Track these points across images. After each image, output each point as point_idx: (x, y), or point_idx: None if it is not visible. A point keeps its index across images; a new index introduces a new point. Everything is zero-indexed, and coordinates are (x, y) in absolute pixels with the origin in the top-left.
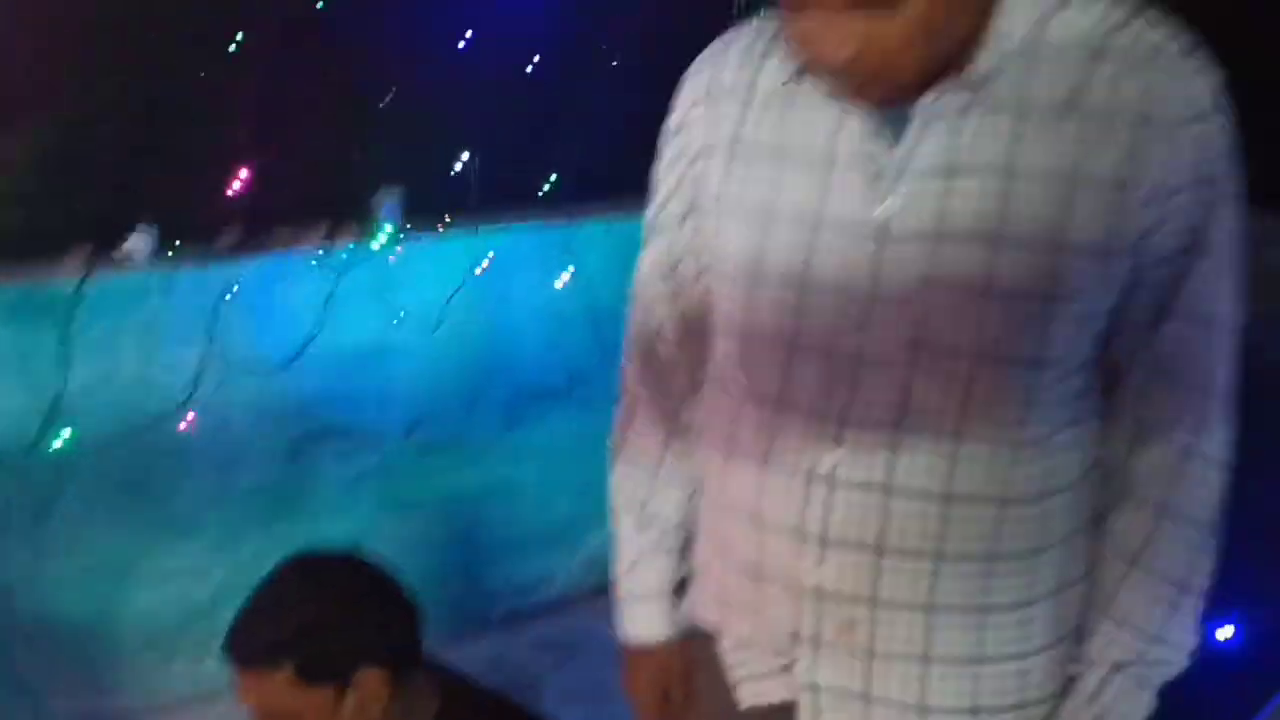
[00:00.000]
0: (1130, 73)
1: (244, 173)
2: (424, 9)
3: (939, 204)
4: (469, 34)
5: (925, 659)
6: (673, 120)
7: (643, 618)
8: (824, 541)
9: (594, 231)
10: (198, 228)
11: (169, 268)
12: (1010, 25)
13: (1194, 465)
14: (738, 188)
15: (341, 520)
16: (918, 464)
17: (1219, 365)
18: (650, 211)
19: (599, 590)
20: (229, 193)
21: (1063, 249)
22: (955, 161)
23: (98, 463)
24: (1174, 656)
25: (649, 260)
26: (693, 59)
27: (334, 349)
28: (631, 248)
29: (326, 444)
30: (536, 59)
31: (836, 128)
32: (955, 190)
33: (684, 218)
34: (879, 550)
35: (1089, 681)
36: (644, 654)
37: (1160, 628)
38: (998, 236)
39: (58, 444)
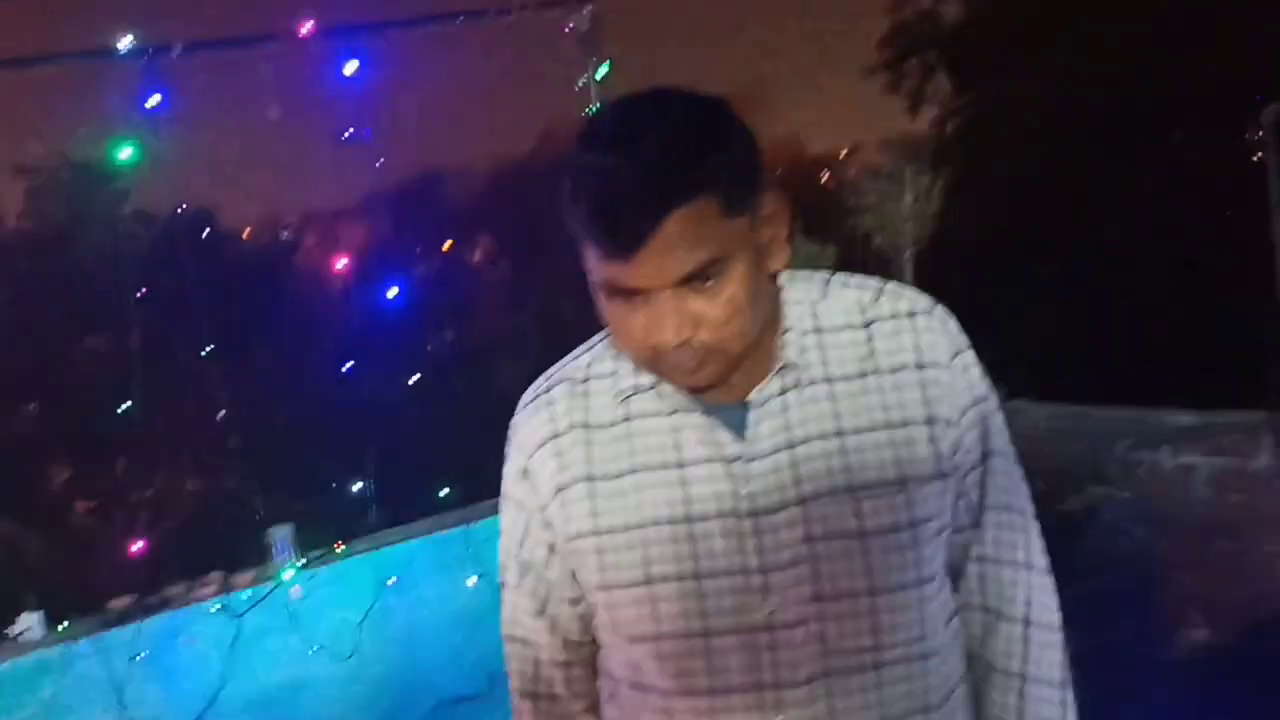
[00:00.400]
0: (897, 333)
1: (129, 536)
2: (297, 345)
3: (792, 474)
4: (346, 363)
5: None
6: (514, 467)
7: None
8: None
9: (492, 527)
10: (89, 598)
11: (64, 642)
12: (794, 316)
13: (1036, 632)
14: (606, 513)
15: None
16: (853, 702)
17: (1032, 541)
18: (507, 557)
19: None
20: (118, 559)
21: (906, 483)
22: (792, 436)
23: None
24: None
25: (517, 602)
26: (563, 355)
27: (245, 694)
28: None
29: None
30: (417, 376)
31: (676, 436)
32: (800, 459)
33: (548, 556)
34: None
35: None
36: None
37: None
38: (849, 487)
39: None
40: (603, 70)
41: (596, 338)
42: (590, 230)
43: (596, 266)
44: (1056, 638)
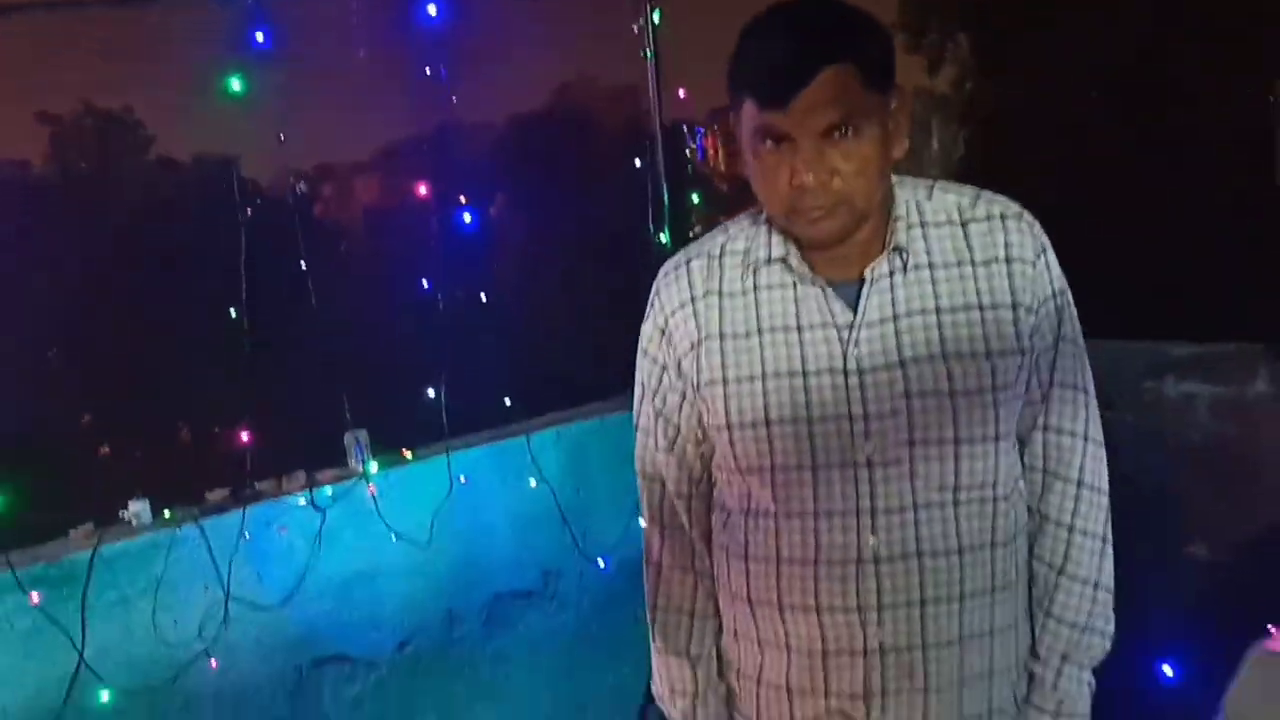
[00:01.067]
0: (990, 232)
1: (228, 435)
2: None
3: (895, 341)
4: (422, 282)
5: (960, 682)
6: (654, 325)
7: None
8: (879, 608)
9: (547, 439)
10: (189, 491)
11: (170, 528)
12: (903, 209)
13: (1086, 492)
14: (734, 366)
15: None
16: (934, 530)
17: (1091, 416)
18: (641, 403)
19: None
20: (213, 457)
21: (990, 355)
22: (897, 310)
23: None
24: (1100, 641)
25: (648, 443)
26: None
27: (328, 578)
28: (578, 449)
29: (330, 668)
30: (483, 296)
31: (797, 305)
32: (902, 329)
33: (680, 402)
34: (921, 603)
35: (1047, 676)
36: None
37: (1087, 619)
38: (943, 355)
39: (101, 699)
40: (657, 15)
41: (730, 221)
42: (754, 84)
43: (754, 118)
44: (1104, 500)
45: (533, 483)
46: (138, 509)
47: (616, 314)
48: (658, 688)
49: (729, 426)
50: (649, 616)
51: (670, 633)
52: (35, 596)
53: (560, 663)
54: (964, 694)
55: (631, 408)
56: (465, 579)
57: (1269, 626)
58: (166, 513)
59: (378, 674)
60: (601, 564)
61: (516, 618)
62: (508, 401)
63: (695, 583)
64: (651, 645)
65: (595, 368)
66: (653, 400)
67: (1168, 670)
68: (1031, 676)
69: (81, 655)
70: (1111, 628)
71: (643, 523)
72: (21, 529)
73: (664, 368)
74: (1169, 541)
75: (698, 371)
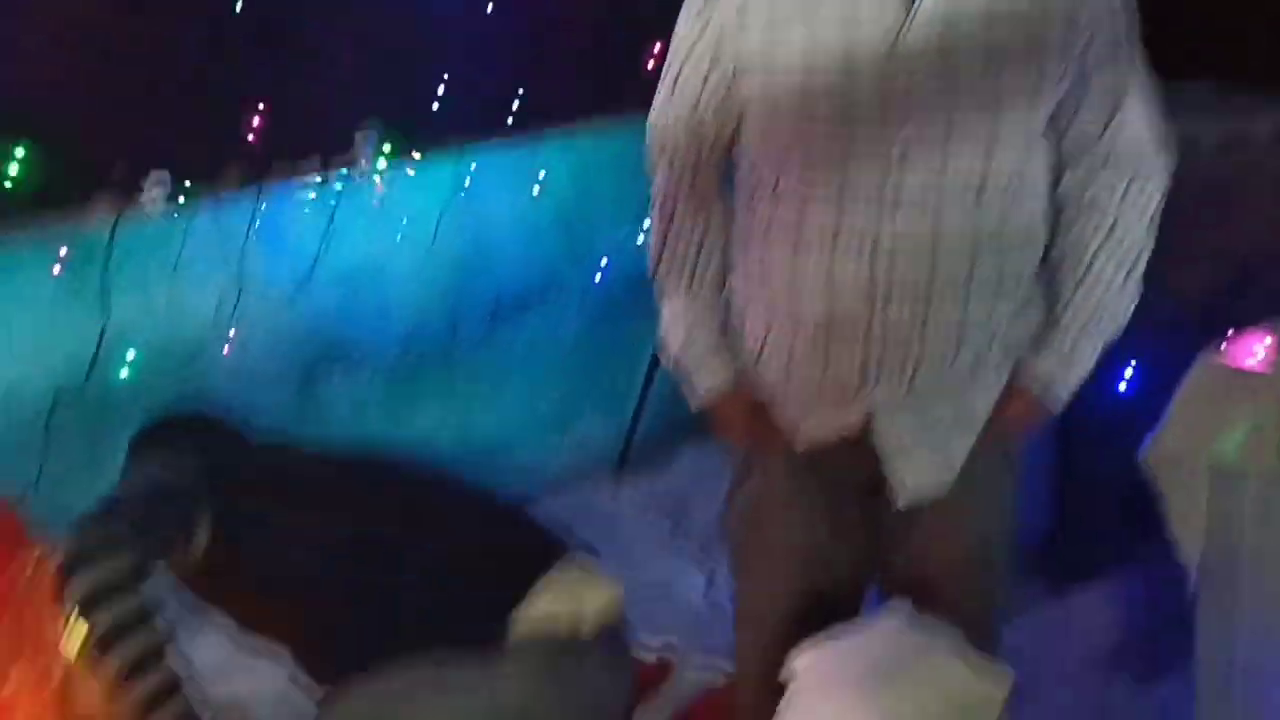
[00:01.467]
0: None
1: (242, 117)
2: None
3: (948, 37)
4: None
5: (953, 365)
6: None
7: (715, 369)
8: (888, 293)
9: (551, 149)
10: (204, 171)
11: (187, 210)
12: None
13: (1140, 181)
14: (783, 44)
15: (355, 427)
16: (954, 223)
17: (1152, 112)
18: (672, 72)
19: (587, 472)
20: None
21: (1040, 59)
22: (954, 6)
23: (140, 394)
24: (1122, 313)
25: (672, 112)
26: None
27: (338, 268)
28: (583, 160)
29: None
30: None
31: None
32: (956, 26)
33: (706, 76)
34: (929, 289)
35: (1065, 339)
36: (724, 399)
37: (1124, 280)
38: (993, 56)
39: (121, 374)
40: None
41: None
42: None
43: None
44: (1157, 193)
45: (536, 190)
46: (155, 185)
47: (629, 28)
48: (661, 330)
49: (768, 105)
50: (652, 261)
51: (674, 271)
52: (57, 268)
53: (558, 367)
54: (952, 377)
55: (640, 123)
56: (469, 281)
57: (1228, 331)
58: (182, 196)
59: (383, 370)
60: (600, 272)
61: (517, 321)
62: (515, 109)
63: (704, 228)
64: (656, 292)
65: (605, 81)
66: (684, 62)
67: (1127, 378)
68: (1044, 343)
69: (103, 332)
70: (1132, 305)
71: (656, 177)
72: (41, 202)
73: (705, 27)
74: (1166, 267)
75: (741, 47)
